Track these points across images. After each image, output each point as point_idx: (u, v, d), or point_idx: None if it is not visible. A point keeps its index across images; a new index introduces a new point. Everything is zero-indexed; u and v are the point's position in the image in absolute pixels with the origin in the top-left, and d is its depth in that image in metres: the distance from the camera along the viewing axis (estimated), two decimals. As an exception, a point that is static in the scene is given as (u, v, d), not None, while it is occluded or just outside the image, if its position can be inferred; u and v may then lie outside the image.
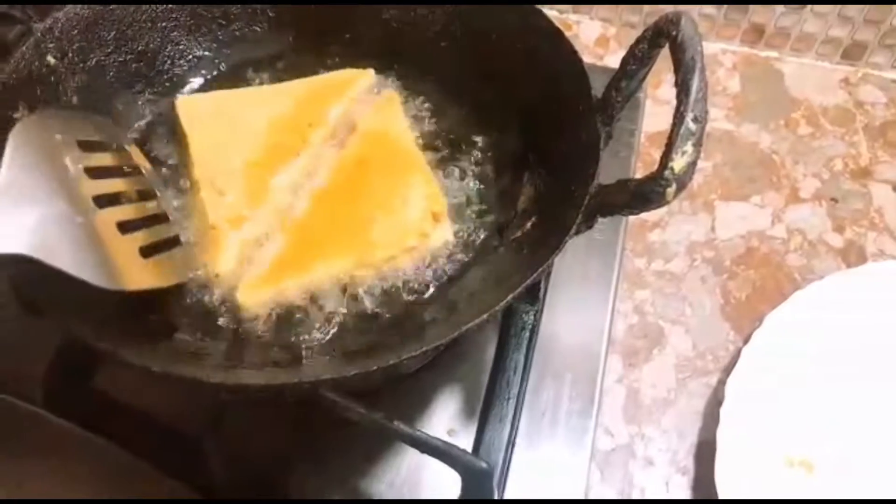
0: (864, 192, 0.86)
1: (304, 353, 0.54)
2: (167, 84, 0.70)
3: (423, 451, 0.55)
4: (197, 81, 0.71)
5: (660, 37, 0.50)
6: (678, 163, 0.43)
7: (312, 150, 0.63)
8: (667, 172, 0.43)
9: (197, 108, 0.66)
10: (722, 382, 0.71)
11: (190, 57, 0.70)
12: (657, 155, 0.89)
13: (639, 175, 0.47)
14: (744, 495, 0.63)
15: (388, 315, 0.57)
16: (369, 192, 0.60)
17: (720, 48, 0.98)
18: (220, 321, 0.56)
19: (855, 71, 0.96)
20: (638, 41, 0.52)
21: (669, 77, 0.92)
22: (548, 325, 0.69)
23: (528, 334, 0.67)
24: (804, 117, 0.92)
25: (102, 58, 0.64)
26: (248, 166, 0.61)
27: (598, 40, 0.99)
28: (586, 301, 0.72)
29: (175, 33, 0.69)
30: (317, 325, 0.56)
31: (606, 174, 0.52)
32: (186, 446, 0.58)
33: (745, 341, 0.72)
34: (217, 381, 0.45)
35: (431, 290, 0.58)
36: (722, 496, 0.63)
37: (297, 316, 0.57)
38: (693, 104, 0.44)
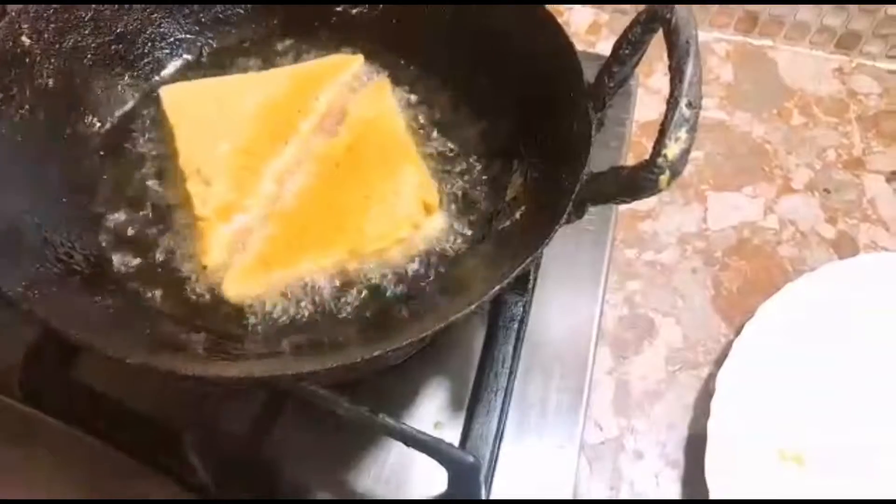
0: (856, 182, 0.85)
1: (288, 345, 0.53)
2: (148, 68, 0.68)
3: (409, 446, 0.54)
4: (178, 65, 0.69)
5: (654, 21, 0.49)
6: (672, 149, 0.42)
7: (301, 138, 0.61)
8: (660, 160, 0.42)
9: (182, 96, 0.64)
10: (713, 375, 0.70)
11: (171, 40, 0.68)
12: (648, 145, 0.88)
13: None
14: (734, 489, 0.62)
15: (375, 306, 0.56)
16: (360, 182, 0.59)
17: (713, 36, 0.97)
18: (205, 312, 0.55)
19: (849, 60, 0.95)
20: (631, 25, 0.51)
21: (661, 66, 0.93)
22: (537, 317, 0.68)
23: (516, 325, 0.66)
24: (797, 107, 0.91)
25: (79, 39, 0.62)
26: (236, 155, 0.60)
27: (589, 27, 0.98)
28: (576, 292, 0.71)
29: (155, 15, 0.67)
30: (303, 317, 0.55)
31: (597, 164, 0.51)
32: (167, 439, 0.57)
33: (737, 333, 0.71)
34: (195, 374, 0.44)
35: (420, 280, 0.57)
36: (712, 490, 0.62)
37: (284, 307, 0.55)
38: (687, 89, 0.43)
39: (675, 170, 0.42)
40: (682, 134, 0.42)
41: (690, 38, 0.45)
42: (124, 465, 0.57)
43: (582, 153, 0.51)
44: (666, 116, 0.43)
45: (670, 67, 0.45)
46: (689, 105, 0.43)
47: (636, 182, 0.44)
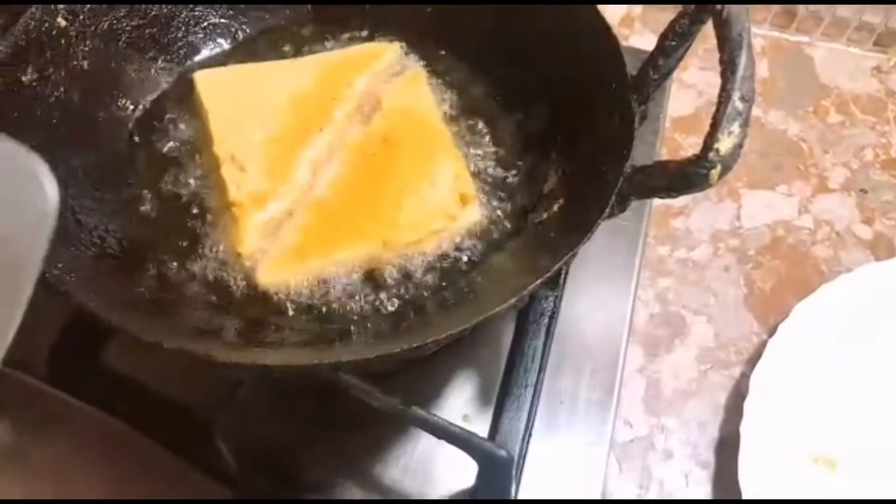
0: (894, 183, 0.84)
1: (322, 333, 0.52)
2: (181, 52, 0.67)
3: (440, 438, 0.53)
4: (212, 50, 0.69)
5: (703, 12, 0.48)
6: (724, 143, 0.41)
7: (336, 126, 0.61)
8: (711, 154, 0.41)
9: (216, 82, 0.64)
10: (745, 375, 0.69)
11: (205, 24, 0.68)
12: (682, 139, 0.88)
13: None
14: (767, 492, 0.61)
15: (410, 298, 0.55)
16: (395, 172, 0.58)
17: (749, 31, 0.95)
18: (239, 300, 0.54)
19: (887, 59, 0.93)
20: (679, 16, 0.50)
21: (696, 60, 0.92)
22: (567, 312, 0.67)
23: (547, 321, 0.65)
24: (834, 105, 0.90)
25: (115, 21, 0.62)
26: (270, 142, 0.59)
27: (622, 20, 0.96)
28: (607, 288, 0.70)
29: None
30: (338, 307, 0.54)
31: (633, 158, 0.50)
32: (196, 425, 0.57)
33: (769, 333, 0.70)
34: (232, 361, 0.44)
35: (455, 272, 0.56)
36: (745, 492, 0.61)
37: (318, 297, 0.55)
38: (740, 82, 0.42)
39: (727, 164, 0.41)
40: (735, 128, 0.41)
41: (743, 30, 0.44)
42: (149, 452, 0.57)
43: (625, 146, 0.50)
44: (717, 110, 0.42)
45: (721, 60, 0.44)
46: (742, 98, 0.41)
47: (686, 176, 0.43)
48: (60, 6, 0.58)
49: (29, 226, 0.28)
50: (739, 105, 0.41)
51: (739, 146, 0.42)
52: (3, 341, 0.27)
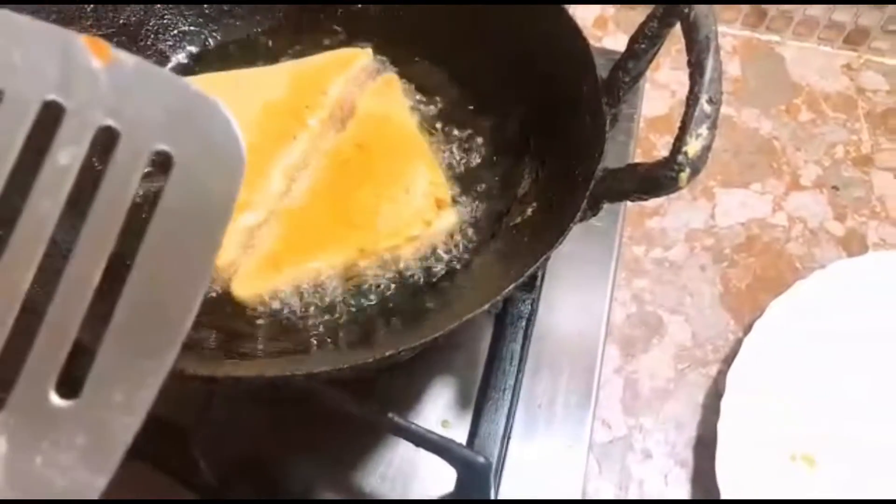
0: (865, 179, 0.85)
1: (298, 343, 0.52)
2: (151, 60, 0.66)
3: (417, 445, 0.53)
4: (183, 58, 0.68)
5: (671, 15, 0.48)
6: (692, 146, 0.41)
7: (310, 134, 0.60)
8: (680, 157, 0.41)
9: None
10: (722, 373, 0.70)
11: (175, 32, 0.67)
12: (656, 140, 0.88)
13: (637, 161, 0.46)
14: (745, 489, 0.62)
15: (386, 305, 0.55)
16: (371, 179, 0.58)
17: (720, 31, 0.96)
18: (214, 311, 0.54)
19: (857, 56, 0.94)
20: (648, 19, 0.50)
21: (668, 60, 0.92)
22: (544, 315, 0.67)
23: (524, 324, 0.65)
24: (805, 103, 0.91)
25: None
26: (244, 151, 0.58)
27: (596, 21, 0.97)
28: (584, 290, 0.70)
29: (159, 6, 0.65)
30: (314, 316, 0.54)
31: (606, 159, 0.50)
32: (172, 438, 0.56)
33: (745, 331, 0.71)
34: (205, 374, 0.43)
35: (431, 278, 0.56)
36: (723, 490, 0.61)
37: (294, 307, 0.54)
38: (708, 85, 0.42)
39: (696, 167, 0.42)
40: (703, 130, 0.41)
41: (710, 33, 0.44)
42: (127, 464, 0.56)
43: (596, 149, 0.50)
44: (686, 113, 0.42)
45: (689, 63, 0.44)
46: (710, 101, 0.42)
47: (656, 179, 0.43)
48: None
49: (222, 172, 0.28)
50: (707, 108, 0.42)
51: (708, 148, 0.42)
52: (201, 285, 0.27)
